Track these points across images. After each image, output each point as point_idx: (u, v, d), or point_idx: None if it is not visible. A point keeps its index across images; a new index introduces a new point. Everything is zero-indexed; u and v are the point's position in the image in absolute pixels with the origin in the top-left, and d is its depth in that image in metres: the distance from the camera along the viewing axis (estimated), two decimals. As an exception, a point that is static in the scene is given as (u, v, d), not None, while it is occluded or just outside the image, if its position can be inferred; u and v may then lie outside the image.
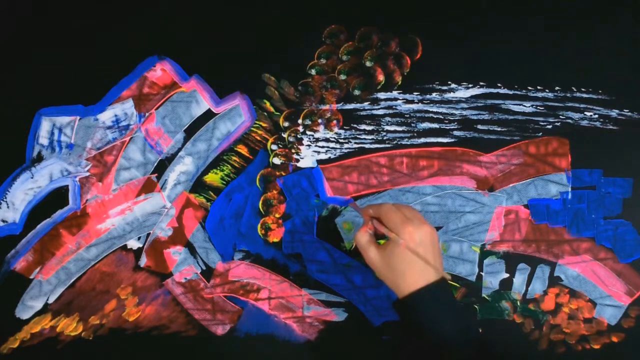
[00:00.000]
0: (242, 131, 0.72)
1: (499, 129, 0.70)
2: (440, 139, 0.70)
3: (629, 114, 0.69)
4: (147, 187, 0.72)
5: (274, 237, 0.72)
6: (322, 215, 0.71)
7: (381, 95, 0.71)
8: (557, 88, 0.70)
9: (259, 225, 0.72)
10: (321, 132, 0.71)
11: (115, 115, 0.72)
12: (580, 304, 0.70)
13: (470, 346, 0.51)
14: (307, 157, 0.71)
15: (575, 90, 0.70)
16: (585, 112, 0.70)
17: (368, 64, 0.71)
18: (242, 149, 0.72)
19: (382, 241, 0.58)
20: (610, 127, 0.70)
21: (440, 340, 0.51)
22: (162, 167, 0.72)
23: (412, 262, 0.53)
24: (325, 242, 0.71)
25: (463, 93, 0.70)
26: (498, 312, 0.70)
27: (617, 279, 0.70)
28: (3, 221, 0.71)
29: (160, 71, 0.71)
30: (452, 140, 0.70)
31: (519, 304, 0.70)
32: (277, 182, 0.71)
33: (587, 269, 0.70)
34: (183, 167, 0.72)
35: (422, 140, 0.71)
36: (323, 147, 0.71)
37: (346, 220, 0.71)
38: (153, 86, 0.71)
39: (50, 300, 0.72)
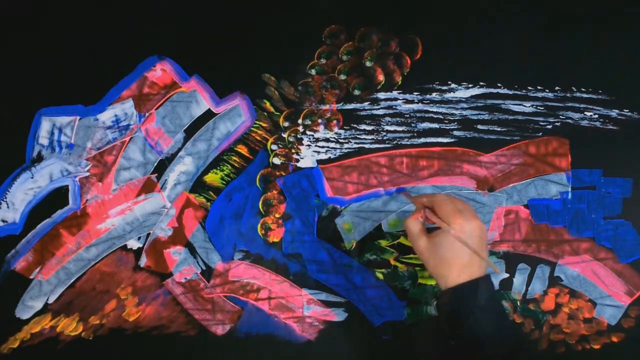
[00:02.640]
0: (242, 131, 0.72)
1: (499, 129, 0.70)
2: (440, 139, 0.70)
3: (629, 114, 0.69)
4: (147, 187, 0.72)
5: (274, 237, 0.72)
6: (322, 215, 0.71)
7: (381, 95, 0.71)
8: (557, 88, 0.70)
9: (259, 225, 0.72)
10: (321, 132, 0.71)
11: (115, 115, 0.72)
12: (580, 304, 0.70)
13: (506, 345, 0.52)
14: (307, 157, 0.71)
15: (575, 90, 0.70)
16: (585, 112, 0.70)
17: (368, 64, 0.71)
18: (242, 149, 0.72)
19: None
20: (610, 127, 0.70)
21: (476, 337, 0.51)
22: (162, 167, 0.72)
23: (459, 254, 0.54)
24: (325, 242, 0.71)
25: (463, 93, 0.70)
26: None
27: (617, 279, 0.70)
28: (3, 221, 0.71)
29: (160, 71, 0.71)
30: (452, 140, 0.70)
31: (519, 304, 0.70)
32: (277, 182, 0.71)
33: (587, 269, 0.70)
34: (183, 167, 0.72)
35: (422, 140, 0.71)
36: (323, 147, 0.71)
37: (346, 220, 0.71)
38: (153, 86, 0.71)
39: (50, 300, 0.72)
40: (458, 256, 0.54)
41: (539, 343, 0.70)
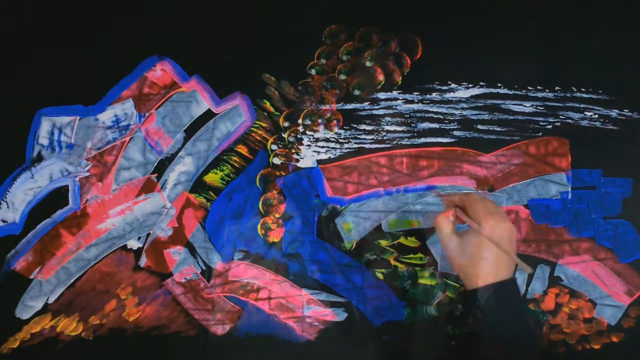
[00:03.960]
0: (242, 131, 0.72)
1: (499, 129, 0.70)
2: (440, 139, 0.70)
3: (629, 114, 0.69)
4: (147, 187, 0.72)
5: (274, 237, 0.72)
6: (322, 215, 0.71)
7: (381, 95, 0.71)
8: (557, 88, 0.70)
9: (259, 225, 0.72)
10: (321, 132, 0.71)
11: (115, 115, 0.72)
12: (580, 304, 0.70)
13: (526, 349, 0.52)
14: (307, 157, 0.71)
15: (575, 90, 0.70)
16: (585, 112, 0.70)
17: (368, 64, 0.71)
18: (242, 149, 0.72)
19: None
20: (610, 127, 0.70)
21: (498, 339, 0.51)
22: (162, 167, 0.72)
23: (488, 254, 0.54)
24: (325, 242, 0.71)
25: (463, 93, 0.70)
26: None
27: (617, 279, 0.70)
28: (3, 221, 0.71)
29: (160, 71, 0.71)
30: (452, 140, 0.70)
31: (519, 304, 0.70)
32: (277, 182, 0.71)
33: (587, 269, 0.70)
34: (183, 167, 0.72)
35: (422, 140, 0.71)
36: (323, 147, 0.71)
37: (346, 220, 0.71)
38: (153, 86, 0.71)
39: (50, 300, 0.72)
40: (487, 257, 0.54)
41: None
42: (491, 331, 0.52)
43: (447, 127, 0.70)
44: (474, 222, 0.55)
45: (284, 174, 0.71)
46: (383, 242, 0.71)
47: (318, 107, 0.71)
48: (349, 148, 0.71)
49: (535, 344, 0.54)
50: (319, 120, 0.71)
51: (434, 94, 0.71)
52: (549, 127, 0.70)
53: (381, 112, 0.71)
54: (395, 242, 0.71)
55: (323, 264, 0.71)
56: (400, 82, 0.71)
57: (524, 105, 0.70)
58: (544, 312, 0.70)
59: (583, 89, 0.70)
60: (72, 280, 0.72)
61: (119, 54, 0.71)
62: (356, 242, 0.71)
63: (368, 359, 0.72)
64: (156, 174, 0.72)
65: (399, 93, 0.71)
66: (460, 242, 0.57)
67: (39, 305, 0.72)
